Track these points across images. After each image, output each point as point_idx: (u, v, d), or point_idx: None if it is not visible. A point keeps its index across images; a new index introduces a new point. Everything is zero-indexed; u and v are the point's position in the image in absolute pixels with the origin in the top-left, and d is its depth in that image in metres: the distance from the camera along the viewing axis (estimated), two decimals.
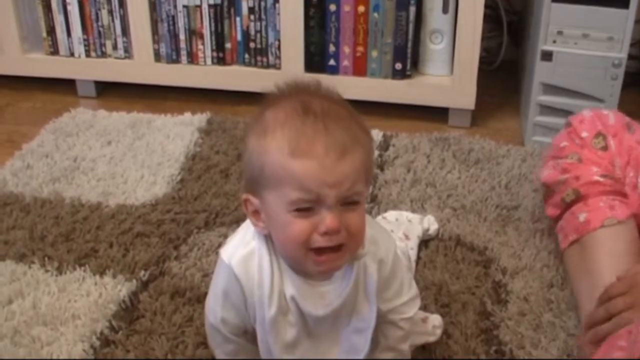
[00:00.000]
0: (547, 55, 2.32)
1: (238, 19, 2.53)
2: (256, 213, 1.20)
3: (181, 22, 2.55)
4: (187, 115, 2.49)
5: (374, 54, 2.47)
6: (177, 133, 2.36)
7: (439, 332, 1.52)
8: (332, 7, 2.44)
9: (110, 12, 2.59)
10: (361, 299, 1.29)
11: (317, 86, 1.21)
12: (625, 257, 1.55)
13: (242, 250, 1.24)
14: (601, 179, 1.66)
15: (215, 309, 1.30)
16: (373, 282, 1.27)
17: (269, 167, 1.13)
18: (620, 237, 1.58)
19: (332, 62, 2.51)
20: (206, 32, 2.56)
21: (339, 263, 1.20)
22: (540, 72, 2.33)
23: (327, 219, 1.12)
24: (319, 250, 1.15)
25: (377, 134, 2.32)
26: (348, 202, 1.14)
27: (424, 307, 1.56)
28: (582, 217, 1.64)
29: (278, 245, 1.21)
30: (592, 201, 1.64)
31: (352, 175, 1.12)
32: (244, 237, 1.26)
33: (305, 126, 1.11)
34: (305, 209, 1.12)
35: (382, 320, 1.34)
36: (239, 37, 2.55)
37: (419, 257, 1.77)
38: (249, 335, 1.32)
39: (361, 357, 1.33)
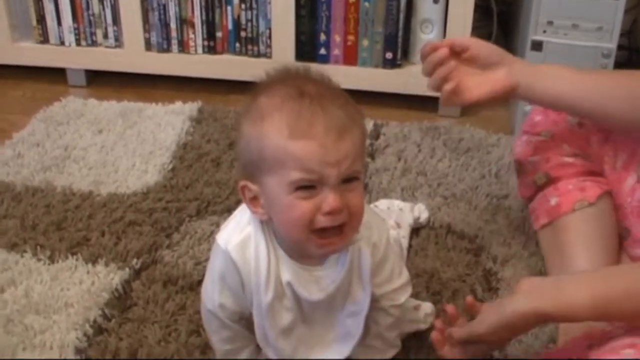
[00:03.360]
0: (537, 45, 2.33)
1: (229, 7, 2.53)
2: (254, 199, 1.21)
3: (172, 11, 2.55)
4: (178, 104, 2.49)
5: (365, 43, 2.48)
6: (168, 122, 2.37)
7: (430, 319, 1.53)
8: None
9: (101, 0, 2.59)
10: (355, 283, 1.30)
11: (307, 71, 1.21)
12: (597, 240, 1.58)
13: (238, 235, 1.25)
14: (571, 160, 1.68)
15: (212, 295, 1.30)
16: (367, 266, 1.28)
17: (269, 151, 1.14)
18: (591, 221, 1.60)
19: (322, 51, 2.51)
20: (197, 20, 2.55)
21: (341, 245, 1.21)
22: (530, 62, 2.34)
23: (330, 198, 1.13)
24: (322, 233, 1.16)
25: (367, 123, 2.32)
26: (348, 180, 1.15)
27: (416, 295, 1.57)
28: (553, 200, 1.66)
29: (280, 229, 1.21)
30: (562, 184, 1.66)
31: (352, 154, 1.13)
32: (240, 223, 1.27)
33: (303, 108, 1.12)
34: (306, 188, 1.13)
35: (373, 307, 1.35)
36: (230, 26, 2.55)
37: (410, 245, 1.78)
38: (244, 321, 1.33)
39: (355, 342, 1.34)
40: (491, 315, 1.31)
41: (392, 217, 1.78)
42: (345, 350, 1.35)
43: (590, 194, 1.61)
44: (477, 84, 1.54)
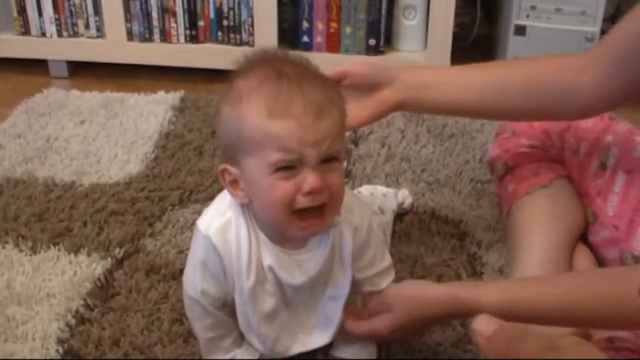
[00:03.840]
0: (521, 30, 2.33)
1: None
2: (234, 182, 1.20)
3: (153, 1, 2.55)
4: (161, 93, 2.48)
5: (348, 30, 2.47)
6: (151, 111, 2.36)
7: None
8: None
9: None
10: (337, 266, 1.29)
11: (286, 54, 1.21)
12: (549, 219, 1.58)
13: (219, 220, 1.24)
14: (528, 150, 1.70)
15: (194, 281, 1.30)
16: (349, 249, 1.28)
17: (247, 132, 1.13)
18: (544, 200, 1.61)
19: (305, 38, 2.50)
20: (179, 10, 2.54)
21: (321, 226, 1.20)
22: (514, 47, 2.35)
23: (310, 178, 1.12)
24: (302, 214, 1.16)
25: None
26: (328, 160, 1.14)
27: (399, 280, 1.56)
28: (510, 187, 1.68)
29: (260, 211, 1.21)
30: (518, 171, 1.68)
31: (331, 134, 1.13)
32: (220, 208, 1.27)
33: (281, 89, 1.12)
34: (286, 169, 1.13)
35: (355, 291, 1.35)
36: (212, 15, 2.54)
37: (394, 231, 1.77)
38: (227, 308, 1.32)
39: (334, 327, 1.33)
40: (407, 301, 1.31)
41: (375, 203, 1.77)
42: (326, 335, 1.35)
43: (544, 178, 1.62)
44: (360, 108, 1.53)
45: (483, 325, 0.82)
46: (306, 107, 1.11)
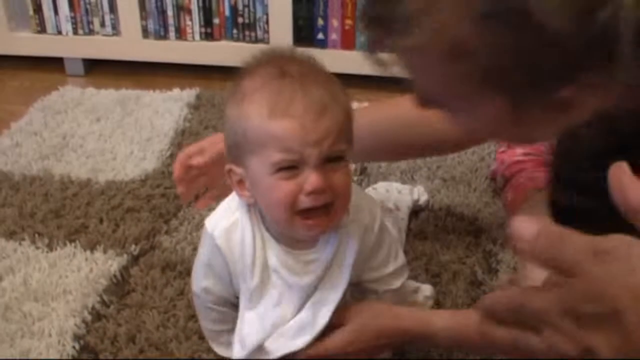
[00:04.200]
0: None
1: None
2: (240, 182, 1.20)
3: None
4: (176, 91, 2.48)
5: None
6: (166, 109, 2.36)
7: (430, 302, 1.52)
8: None
9: None
10: (335, 268, 1.27)
11: (292, 52, 1.21)
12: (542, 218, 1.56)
13: (226, 221, 1.24)
14: (522, 157, 1.70)
15: (198, 278, 1.31)
16: (352, 252, 1.26)
17: (250, 132, 1.12)
18: (538, 202, 1.58)
19: (320, 35, 2.50)
20: (194, 7, 2.55)
21: (327, 226, 1.18)
22: None
23: (312, 177, 1.11)
24: (307, 213, 1.15)
25: None
26: (332, 159, 1.13)
27: (415, 278, 1.57)
28: (509, 196, 1.68)
29: (265, 211, 1.20)
30: (515, 180, 1.68)
31: (333, 133, 1.11)
32: (229, 208, 1.26)
33: (283, 88, 1.11)
34: (288, 169, 1.12)
35: (369, 291, 1.34)
36: (227, 12, 2.54)
37: (409, 228, 1.77)
38: (230, 304, 1.33)
39: (311, 333, 1.28)
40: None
41: (391, 199, 1.77)
42: (301, 340, 1.29)
43: (540, 181, 1.61)
44: None
45: (523, 228, 0.79)
46: (307, 106, 1.10)
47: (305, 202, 1.13)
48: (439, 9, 0.82)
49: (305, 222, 1.15)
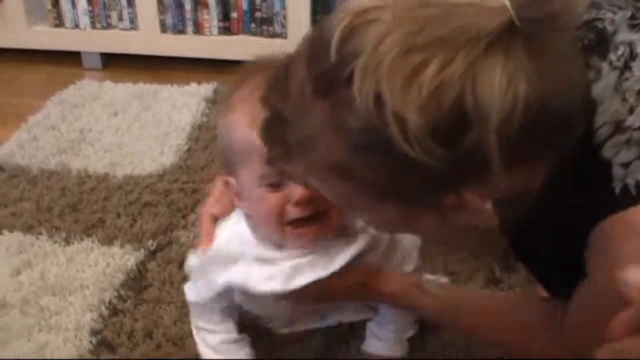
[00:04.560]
0: None
1: None
2: (237, 194, 1.19)
3: None
4: (194, 85, 2.48)
5: None
6: (184, 103, 2.36)
7: None
8: None
9: None
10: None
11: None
12: None
13: (228, 232, 1.23)
14: None
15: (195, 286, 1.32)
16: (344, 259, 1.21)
17: (236, 143, 1.12)
18: None
19: None
20: (212, 1, 2.54)
21: (320, 234, 1.16)
22: None
23: (297, 189, 1.09)
24: (296, 223, 1.13)
25: None
26: None
27: (433, 274, 1.56)
28: None
29: (256, 224, 1.18)
30: None
31: None
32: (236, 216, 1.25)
33: None
34: (275, 183, 1.10)
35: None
36: (245, 6, 2.54)
37: None
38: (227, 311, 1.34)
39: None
40: None
41: None
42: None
43: None
44: None
45: (637, 275, 0.81)
46: None
47: (292, 212, 1.12)
48: (322, 137, 0.85)
49: (296, 230, 1.13)
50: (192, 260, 1.30)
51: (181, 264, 1.64)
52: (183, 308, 1.52)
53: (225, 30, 2.58)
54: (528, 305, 1.16)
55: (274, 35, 2.54)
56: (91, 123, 2.26)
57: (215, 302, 1.29)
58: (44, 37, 2.69)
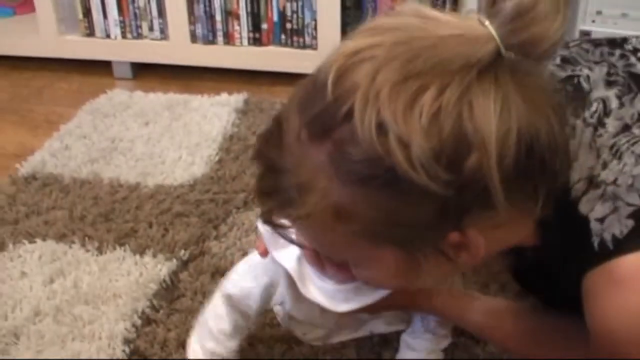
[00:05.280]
0: (586, 35, 2.31)
1: None
2: None
3: (217, 3, 2.56)
4: (224, 95, 2.49)
5: None
6: (214, 113, 2.37)
7: None
8: None
9: None
10: None
11: None
12: None
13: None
14: None
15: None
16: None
17: None
18: None
19: None
20: (242, 12, 2.55)
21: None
22: None
23: None
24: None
25: None
26: None
27: (464, 288, 1.56)
28: None
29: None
30: None
31: None
32: None
33: None
34: None
35: None
36: (275, 18, 2.55)
37: None
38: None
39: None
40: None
41: None
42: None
43: None
44: None
45: None
46: None
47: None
48: (320, 179, 0.86)
49: (335, 269, 1.12)
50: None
51: (213, 274, 1.65)
52: None
53: (256, 41, 2.59)
54: (568, 320, 1.16)
55: (304, 46, 2.55)
56: (122, 132, 2.27)
57: (260, 281, 1.28)
58: (75, 46, 2.71)
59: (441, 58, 0.81)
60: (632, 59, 1.10)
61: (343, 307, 1.15)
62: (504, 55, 0.83)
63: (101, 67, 2.73)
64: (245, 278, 1.30)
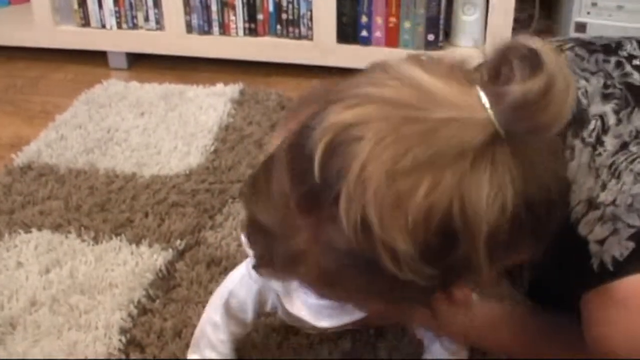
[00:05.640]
0: (581, 27, 2.31)
1: None
2: None
3: None
4: (220, 86, 2.49)
5: (407, 24, 2.46)
6: (210, 104, 2.37)
7: None
8: None
9: None
10: None
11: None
12: None
13: None
14: None
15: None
16: None
17: None
18: None
19: (364, 32, 2.50)
20: (238, 3, 2.55)
21: None
22: None
23: None
24: None
25: None
26: None
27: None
28: None
29: None
30: None
31: None
32: None
33: None
34: None
35: None
36: (271, 8, 2.54)
37: None
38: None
39: None
40: None
41: None
42: None
43: None
44: None
45: None
46: None
47: None
48: (310, 253, 0.86)
49: None
50: None
51: (209, 264, 1.65)
52: None
53: (252, 32, 2.59)
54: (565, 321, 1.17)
55: (300, 37, 2.55)
56: (118, 123, 2.27)
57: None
58: (71, 36, 2.71)
59: (435, 150, 0.77)
60: (628, 68, 1.08)
61: (326, 322, 1.15)
62: (504, 137, 0.78)
63: (97, 58, 2.72)
64: (239, 288, 1.31)
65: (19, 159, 2.08)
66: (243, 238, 1.02)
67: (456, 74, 0.82)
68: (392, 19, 2.46)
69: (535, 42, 0.78)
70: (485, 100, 0.78)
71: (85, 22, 2.68)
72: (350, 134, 0.79)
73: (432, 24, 2.46)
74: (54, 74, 2.70)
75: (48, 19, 2.67)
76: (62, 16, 2.70)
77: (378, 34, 2.49)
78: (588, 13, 2.32)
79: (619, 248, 0.92)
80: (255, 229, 0.93)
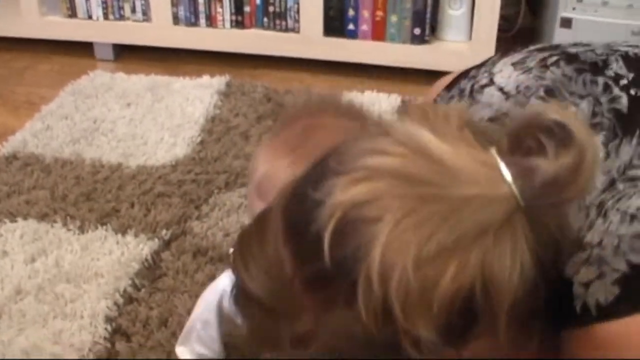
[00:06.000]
0: (567, 23, 2.32)
1: None
2: None
3: None
4: (206, 78, 2.49)
5: (393, 18, 2.47)
6: (196, 96, 2.37)
7: None
8: None
9: None
10: None
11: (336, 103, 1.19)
12: None
13: None
14: None
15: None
16: None
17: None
18: None
19: (351, 26, 2.50)
20: None
21: None
22: (559, 39, 2.33)
23: None
24: None
25: (395, 99, 2.32)
26: None
27: None
28: None
29: None
30: None
31: None
32: None
33: None
34: None
35: None
36: (258, 1, 2.54)
37: None
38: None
39: None
40: None
41: None
42: None
43: None
44: None
45: None
46: None
47: None
48: (321, 335, 0.83)
49: None
50: None
51: (195, 254, 1.66)
52: (197, 297, 1.52)
53: (238, 24, 2.59)
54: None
55: (286, 29, 2.55)
56: (104, 113, 2.27)
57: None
58: (57, 27, 2.70)
59: (459, 234, 0.72)
60: (616, 91, 1.03)
61: None
62: (524, 207, 0.74)
63: (83, 49, 2.72)
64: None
65: (5, 148, 2.08)
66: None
67: (466, 136, 0.78)
68: (379, 13, 2.47)
69: (562, 114, 0.75)
70: (506, 172, 0.74)
71: (72, 13, 2.68)
72: (362, 213, 0.74)
73: (418, 18, 2.46)
74: (40, 64, 2.69)
75: (34, 10, 2.66)
76: (48, 7, 2.69)
77: (365, 27, 2.50)
78: (574, 9, 2.33)
79: (604, 293, 0.88)
80: (247, 300, 0.89)
